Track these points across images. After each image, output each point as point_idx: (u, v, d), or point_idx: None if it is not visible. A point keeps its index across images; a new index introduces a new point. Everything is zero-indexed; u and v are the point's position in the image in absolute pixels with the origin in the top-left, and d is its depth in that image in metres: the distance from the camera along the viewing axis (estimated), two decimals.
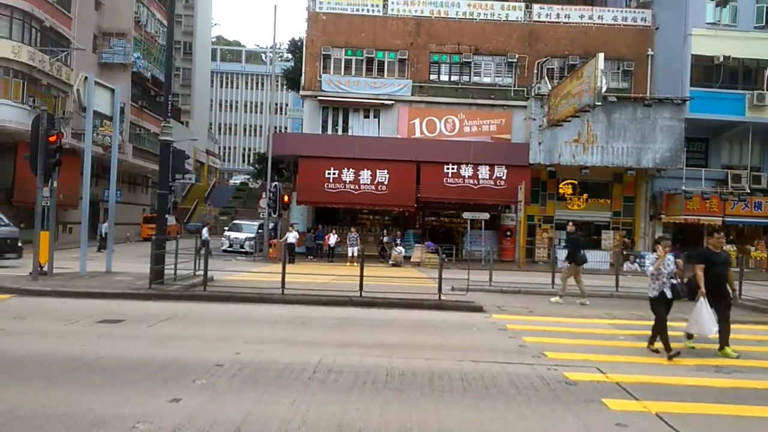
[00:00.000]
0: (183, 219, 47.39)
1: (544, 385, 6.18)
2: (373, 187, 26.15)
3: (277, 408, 5.11)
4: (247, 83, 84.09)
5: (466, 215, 25.09)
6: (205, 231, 26.12)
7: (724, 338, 7.99)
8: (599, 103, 21.18)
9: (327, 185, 26.10)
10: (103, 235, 25.56)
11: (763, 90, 25.87)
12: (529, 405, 5.51)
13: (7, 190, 26.46)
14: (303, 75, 28.98)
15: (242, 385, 5.76)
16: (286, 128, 68.31)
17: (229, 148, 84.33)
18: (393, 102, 28.21)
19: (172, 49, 14.32)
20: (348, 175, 26.15)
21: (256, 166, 52.15)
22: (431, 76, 28.67)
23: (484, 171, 26.35)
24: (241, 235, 29.77)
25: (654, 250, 8.23)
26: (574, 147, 25.86)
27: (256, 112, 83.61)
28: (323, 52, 28.26)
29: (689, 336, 8.41)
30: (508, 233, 27.78)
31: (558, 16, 28.86)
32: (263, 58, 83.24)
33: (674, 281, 7.92)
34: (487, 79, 28.76)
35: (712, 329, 7.77)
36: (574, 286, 13.48)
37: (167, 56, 14.27)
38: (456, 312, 11.16)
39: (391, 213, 29.65)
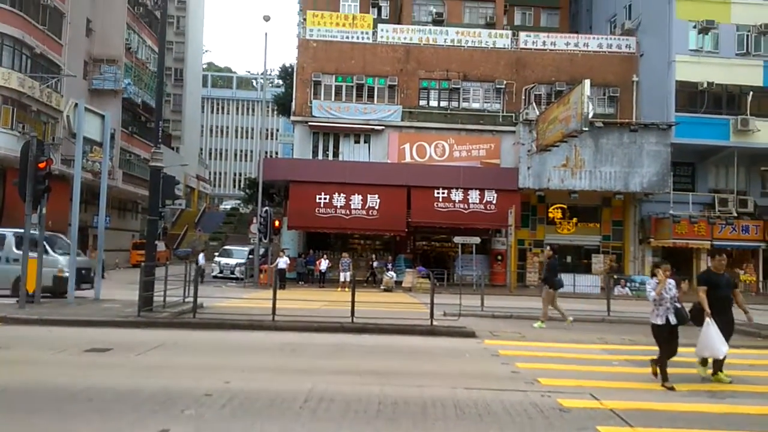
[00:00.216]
0: (173, 245, 47.04)
1: (537, 412, 6.12)
2: (364, 212, 26.18)
3: None
4: (237, 109, 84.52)
5: (457, 240, 25.12)
6: (201, 257, 25.90)
7: (718, 364, 7.90)
8: (586, 129, 21.48)
9: (318, 210, 26.10)
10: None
11: (747, 115, 26.36)
12: None
13: None
14: (294, 101, 29.20)
15: (231, 416, 5.66)
16: (276, 153, 68.46)
17: (220, 174, 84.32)
18: (383, 127, 28.44)
19: (163, 75, 14.38)
20: (339, 200, 26.18)
21: (247, 191, 52.09)
22: (421, 101, 29.00)
23: (474, 195, 26.50)
24: (232, 261, 29.55)
25: (654, 275, 7.93)
26: (563, 171, 26.12)
27: (246, 138, 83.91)
28: (314, 79, 28.53)
29: (704, 362, 8.10)
30: (499, 257, 27.82)
31: (544, 43, 29.43)
32: (254, 84, 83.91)
33: (678, 305, 7.68)
34: (475, 105, 29.13)
35: (722, 349, 7.54)
36: (555, 312, 13.50)
37: (158, 83, 14.34)
38: (448, 338, 11.09)
39: (382, 238, 29.65)
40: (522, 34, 29.89)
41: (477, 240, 24.93)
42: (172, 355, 8.78)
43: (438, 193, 26.48)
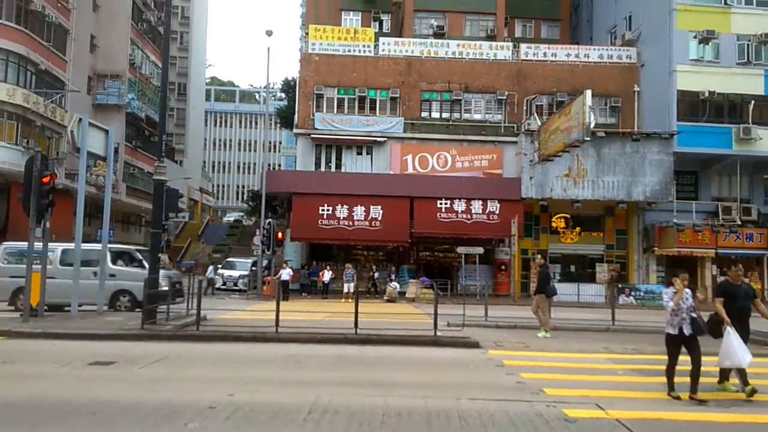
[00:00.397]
0: (176, 257, 47.04)
1: (543, 423, 6.08)
2: (366, 223, 26.20)
3: None
4: (240, 122, 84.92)
5: (460, 250, 25.14)
6: (210, 270, 25.84)
7: (725, 373, 7.75)
8: (588, 139, 21.55)
9: (321, 222, 26.13)
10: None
11: (749, 124, 26.38)
12: None
13: (0, 231, 26.29)
14: (296, 114, 29.36)
15: (235, 428, 5.64)
16: (279, 166, 68.73)
17: (223, 186, 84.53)
18: (385, 139, 28.53)
19: (166, 90, 14.49)
20: (342, 211, 26.22)
21: (250, 203, 52.20)
22: (422, 113, 29.11)
23: (477, 206, 26.51)
24: (235, 273, 29.60)
25: (670, 284, 7.65)
26: (565, 181, 26.14)
27: (249, 151, 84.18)
28: (316, 92, 28.70)
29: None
30: (503, 267, 27.78)
31: (545, 54, 29.57)
32: (257, 97, 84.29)
33: (694, 315, 7.41)
34: (477, 116, 29.23)
35: (746, 358, 7.23)
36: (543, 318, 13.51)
37: (161, 97, 14.44)
38: (452, 348, 11.04)
39: (385, 249, 29.64)
40: (523, 46, 30.06)
41: (480, 250, 24.94)
42: (176, 368, 8.77)
43: (441, 203, 26.49)
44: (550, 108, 28.67)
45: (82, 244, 14.45)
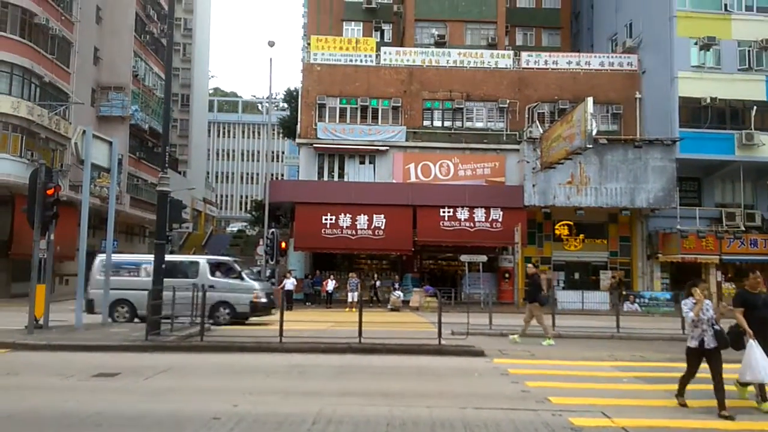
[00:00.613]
0: None
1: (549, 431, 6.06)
2: (370, 232, 26.21)
3: None
4: (243, 132, 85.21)
5: (464, 258, 25.08)
6: None
7: (761, 388, 7.28)
8: (590, 146, 21.57)
9: (324, 231, 26.14)
10: None
11: (751, 129, 26.37)
12: None
13: (4, 243, 26.39)
14: (299, 124, 29.46)
15: None
16: (282, 175, 68.85)
17: (226, 196, 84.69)
18: (388, 148, 28.59)
19: (169, 101, 14.59)
20: (345, 220, 26.24)
21: (253, 213, 52.26)
22: (425, 122, 29.18)
23: (480, 214, 26.49)
24: None
25: (690, 295, 7.30)
26: (568, 188, 26.12)
27: (252, 161, 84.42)
28: (318, 102, 28.81)
29: (744, 385, 7.55)
30: (507, 275, 27.72)
31: (546, 62, 29.66)
32: (259, 107, 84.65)
33: (716, 327, 7.09)
34: (479, 124, 29.28)
35: None
36: (533, 326, 13.43)
37: (165, 109, 14.51)
38: (457, 357, 10.99)
39: (388, 257, 29.62)
40: (524, 54, 30.16)
41: (484, 258, 24.89)
42: (180, 379, 8.76)
43: (444, 211, 26.49)
44: (551, 116, 28.72)
45: (174, 256, 14.42)
